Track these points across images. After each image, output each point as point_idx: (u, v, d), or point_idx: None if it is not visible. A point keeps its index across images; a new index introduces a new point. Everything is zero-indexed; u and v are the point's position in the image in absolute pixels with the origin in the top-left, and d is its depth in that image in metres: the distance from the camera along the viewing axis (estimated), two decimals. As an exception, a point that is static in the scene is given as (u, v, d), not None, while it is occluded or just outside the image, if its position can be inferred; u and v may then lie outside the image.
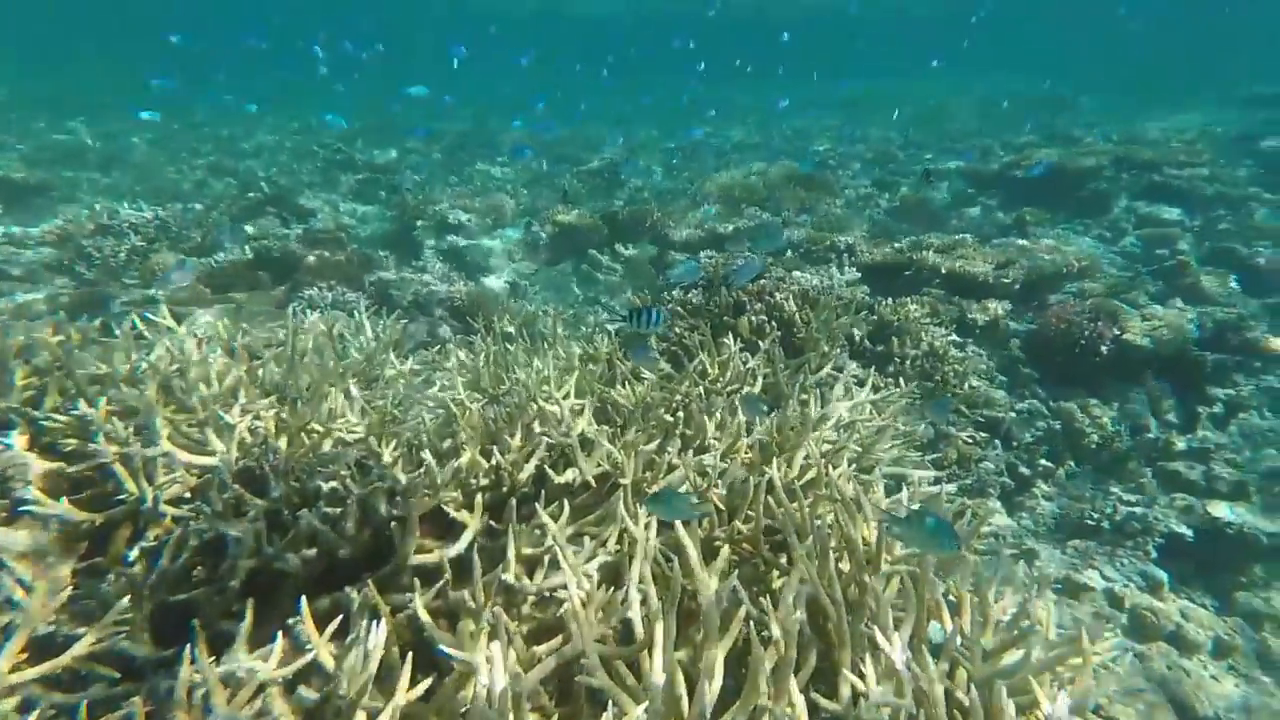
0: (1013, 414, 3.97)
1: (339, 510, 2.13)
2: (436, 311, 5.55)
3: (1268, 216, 7.21)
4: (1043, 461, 3.86)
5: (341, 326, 3.68)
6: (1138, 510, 3.39)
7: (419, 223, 8.72)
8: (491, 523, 2.13)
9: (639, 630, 1.66)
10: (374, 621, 1.54)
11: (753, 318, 3.60)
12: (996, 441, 3.77)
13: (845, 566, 1.99)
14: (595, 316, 6.41)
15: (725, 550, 2.08)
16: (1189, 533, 3.34)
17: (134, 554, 2.12)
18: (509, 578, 1.82)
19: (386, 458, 2.24)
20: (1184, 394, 4.33)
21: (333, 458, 2.31)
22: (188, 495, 2.32)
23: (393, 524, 2.05)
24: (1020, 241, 6.19)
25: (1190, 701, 2.44)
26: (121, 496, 2.08)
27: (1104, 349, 4.22)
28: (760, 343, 3.47)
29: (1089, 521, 3.39)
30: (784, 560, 2.17)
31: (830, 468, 2.21)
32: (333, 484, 2.21)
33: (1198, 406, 4.26)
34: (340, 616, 1.79)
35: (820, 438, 2.38)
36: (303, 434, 2.57)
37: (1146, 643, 2.76)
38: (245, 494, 2.17)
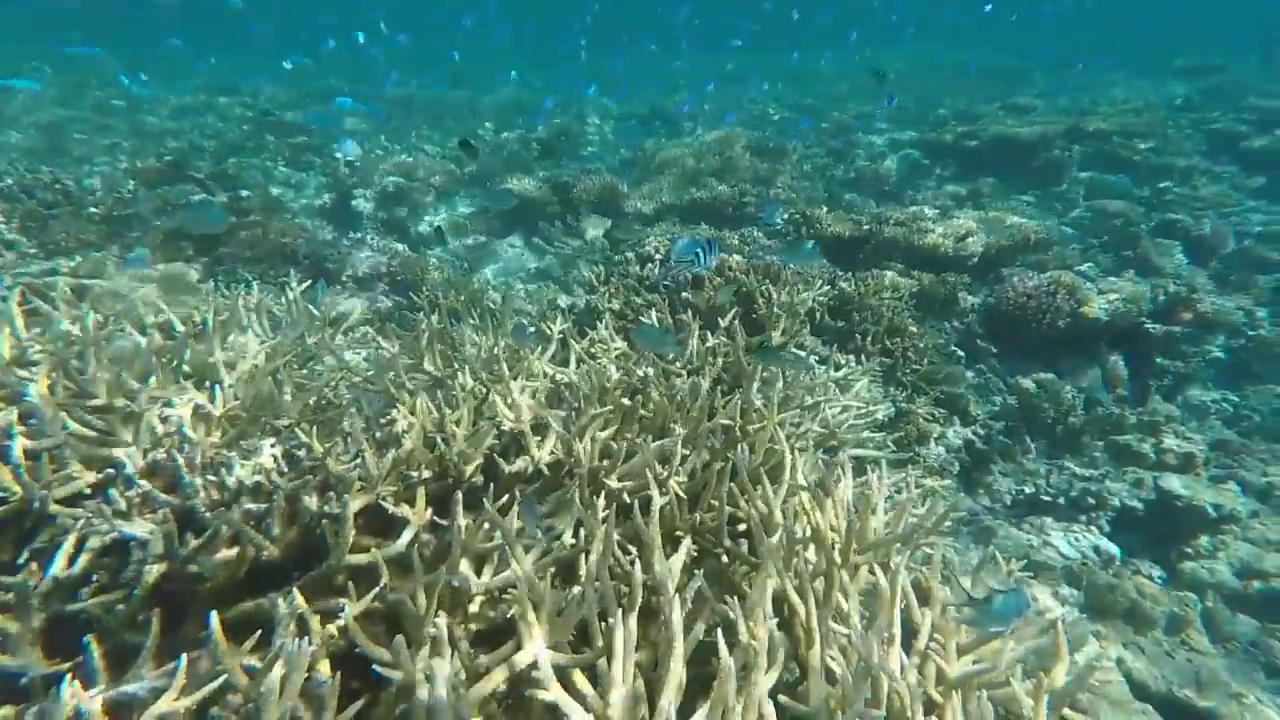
0: (971, 390, 3.99)
1: (263, 507, 1.93)
2: (377, 286, 5.25)
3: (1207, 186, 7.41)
4: (1000, 438, 3.90)
5: (270, 303, 3.40)
6: (1092, 486, 3.45)
7: (358, 192, 8.28)
8: (435, 518, 1.96)
9: (596, 635, 1.53)
10: (300, 639, 1.36)
11: (711, 293, 3.48)
12: (955, 418, 3.78)
13: (812, 555, 1.90)
14: (547, 293, 6.19)
15: (687, 542, 1.96)
16: (1140, 506, 3.42)
17: (23, 558, 1.87)
18: (454, 578, 1.66)
19: (317, 448, 2.04)
20: (1136, 366, 4.43)
21: (255, 449, 2.09)
22: (88, 492, 2.07)
23: (324, 521, 1.86)
24: (978, 214, 6.24)
25: (1142, 678, 2.50)
26: (1, 495, 1.83)
27: (1061, 323, 4.27)
28: (720, 319, 3.36)
29: (1045, 498, 3.44)
30: (746, 549, 2.08)
31: (796, 452, 2.12)
32: (256, 478, 2.00)
33: (1149, 379, 4.37)
34: (262, 629, 1.61)
35: (786, 420, 2.29)
36: (223, 422, 2.34)
37: (1104, 619, 2.82)
38: (153, 489, 1.94)
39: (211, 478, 1.99)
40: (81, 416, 2.20)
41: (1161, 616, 2.84)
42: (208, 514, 1.95)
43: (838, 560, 1.76)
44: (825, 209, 5.85)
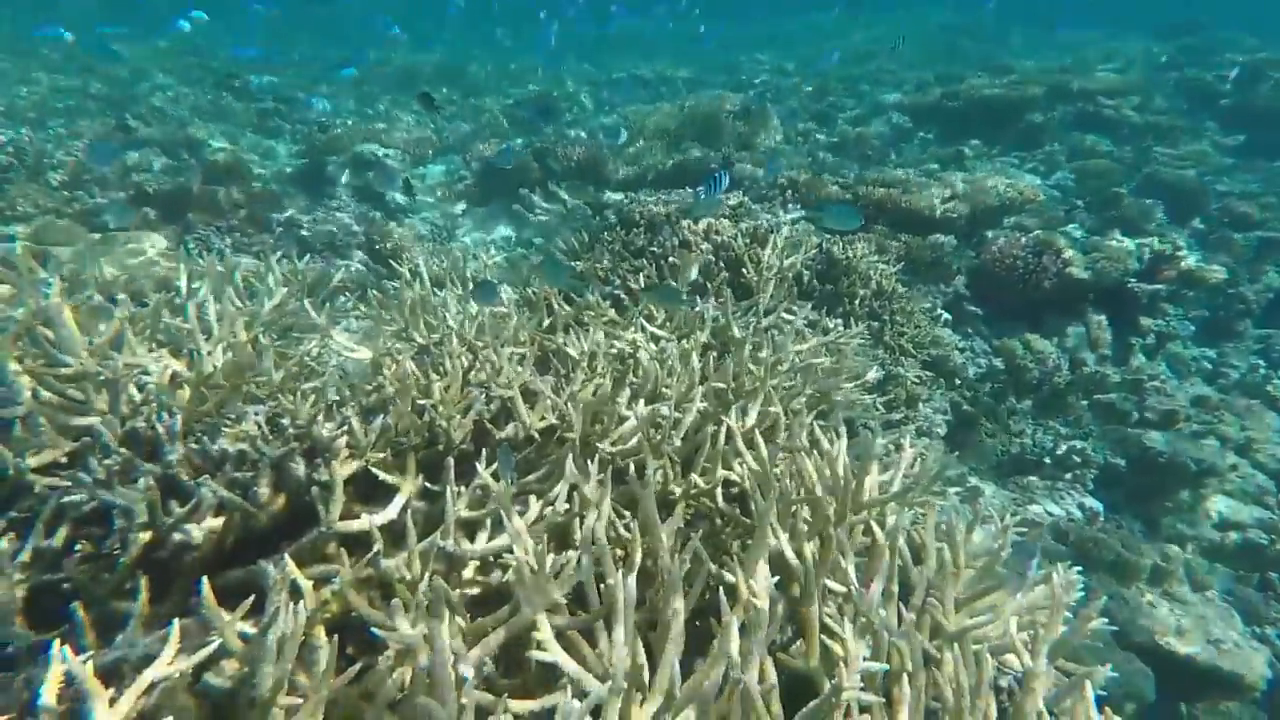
0: (957, 352, 4.02)
1: (249, 475, 1.89)
2: (355, 255, 5.13)
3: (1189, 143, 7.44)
4: (987, 399, 3.94)
5: (246, 269, 3.30)
6: (1076, 444, 3.52)
7: (331, 158, 8.04)
8: (426, 484, 1.93)
9: (592, 597, 1.53)
10: (294, 600, 1.34)
11: (700, 257, 3.44)
12: (941, 380, 3.81)
13: (808, 515, 1.91)
14: (529, 259, 6.10)
15: (680, 508, 1.96)
16: (1122, 463, 3.49)
17: (-2, 528, 1.82)
18: (448, 544, 1.64)
19: (302, 414, 1.99)
20: (1119, 325, 4.49)
21: (239, 416, 2.04)
22: (64, 462, 2.01)
23: (313, 489, 1.82)
24: (963, 175, 6.22)
25: (1129, 631, 2.59)
26: (-27, 465, 1.76)
27: (1047, 283, 4.31)
28: (708, 284, 3.33)
29: (1030, 457, 3.50)
30: (739, 512, 2.08)
31: (789, 414, 2.11)
32: (240, 445, 1.95)
33: (1130, 338, 4.43)
34: (254, 596, 1.58)
35: (779, 385, 2.28)
36: (201, 389, 2.27)
37: (1091, 573, 2.90)
38: (134, 458, 1.88)
39: (194, 445, 1.94)
40: (54, 385, 2.12)
41: (1145, 569, 2.94)
42: (191, 483, 1.90)
43: (833, 518, 1.77)
44: (808, 173, 5.80)
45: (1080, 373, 4.16)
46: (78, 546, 1.80)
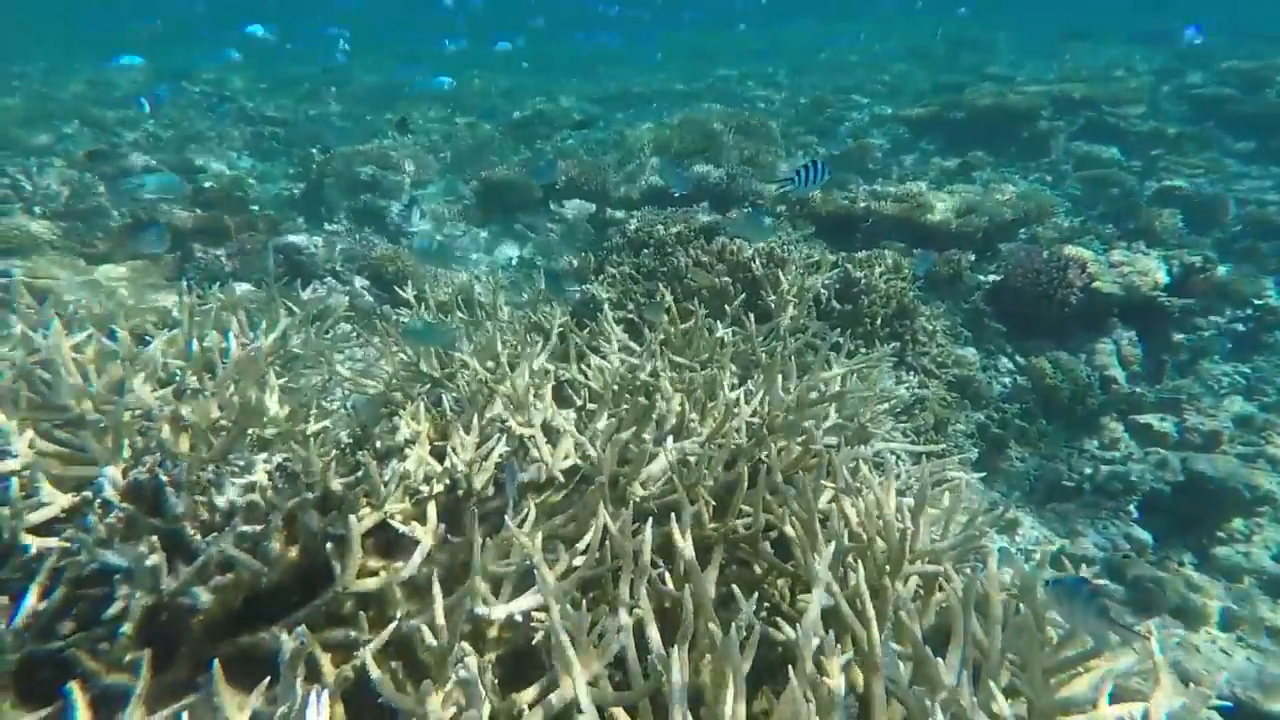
0: (981, 371, 3.90)
1: (259, 529, 1.76)
2: (357, 280, 5.03)
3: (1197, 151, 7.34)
4: (1016, 420, 3.82)
5: (248, 300, 3.19)
6: (1118, 469, 3.38)
7: (329, 180, 7.97)
8: (447, 535, 1.81)
9: (634, 666, 1.40)
10: (314, 688, 1.21)
11: (717, 280, 3.34)
12: (966, 401, 3.70)
13: (856, 564, 1.79)
14: (535, 282, 6.00)
15: (718, 553, 1.84)
16: (1166, 489, 3.36)
17: (-10, 594, 1.69)
18: (478, 607, 1.52)
19: (315, 462, 1.87)
20: (1149, 340, 4.36)
21: (248, 464, 1.92)
22: (63, 516, 1.89)
23: (328, 544, 1.70)
24: (974, 187, 6.13)
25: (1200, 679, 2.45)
26: (-37, 529, 1.64)
27: (1073, 299, 4.19)
28: (726, 307, 3.22)
29: (1067, 483, 3.37)
30: (777, 555, 1.96)
31: (829, 450, 2.00)
32: (250, 496, 1.83)
33: (1163, 354, 4.32)
34: (266, 666, 1.46)
35: (817, 415, 2.16)
36: (209, 434, 2.15)
37: (1151, 615, 2.75)
38: (137, 513, 1.76)
39: (200, 498, 1.82)
40: (50, 432, 2.01)
41: (1214, 612, 2.78)
42: (197, 537, 1.78)
43: (888, 568, 1.65)
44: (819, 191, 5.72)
45: (1114, 392, 4.04)
46: (74, 611, 1.68)
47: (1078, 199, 6.64)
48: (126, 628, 1.58)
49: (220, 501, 1.79)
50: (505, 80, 14.81)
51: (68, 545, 1.70)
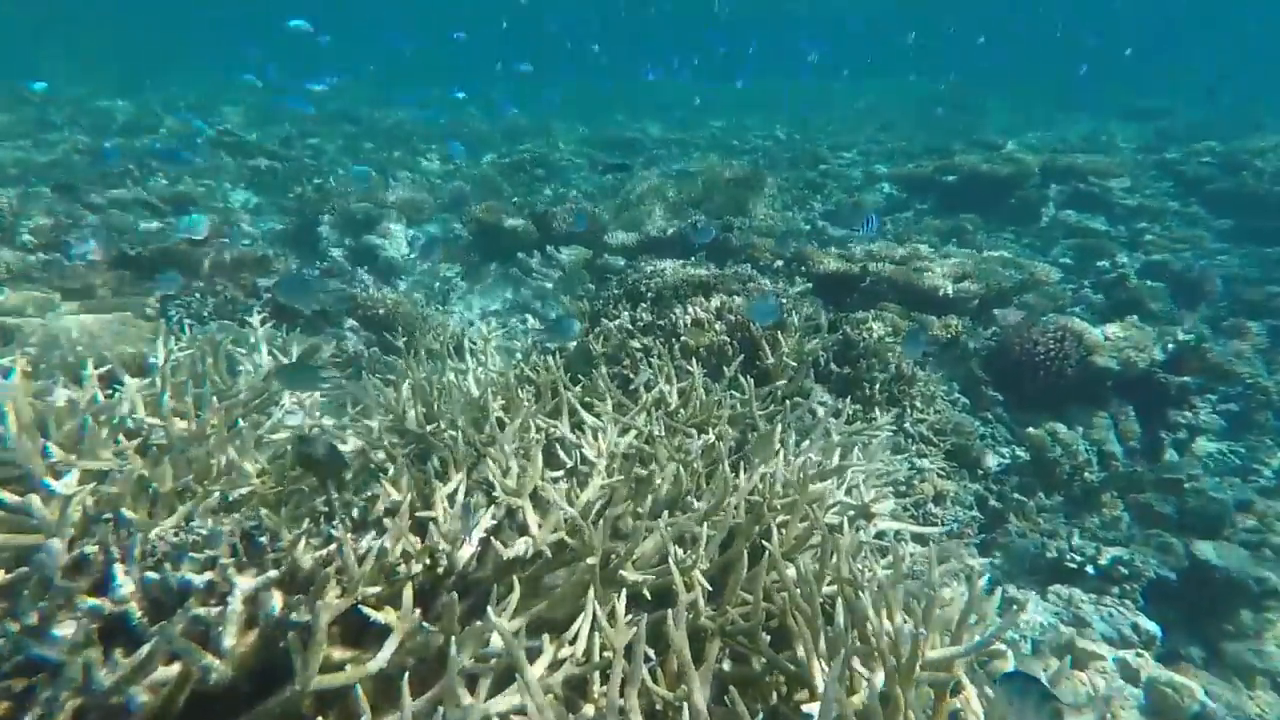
0: (979, 441, 3.81)
1: (214, 612, 1.61)
2: (346, 322, 4.91)
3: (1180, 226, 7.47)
4: (1015, 495, 3.72)
5: (229, 344, 3.06)
6: (1123, 554, 3.27)
7: (323, 218, 7.91)
8: (423, 622, 1.66)
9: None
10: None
11: (715, 339, 3.26)
12: (964, 471, 3.60)
13: (860, 666, 1.66)
14: (527, 330, 5.92)
15: (715, 646, 1.70)
16: (1172, 576, 3.24)
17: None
18: (451, 712, 1.37)
19: (285, 535, 1.73)
20: (1146, 416, 4.32)
21: (211, 537, 1.77)
22: (-2, 591, 1.72)
23: (289, 633, 1.55)
24: (969, 251, 6.15)
25: None
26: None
27: (1070, 370, 4.14)
28: (725, 368, 3.13)
29: (1069, 564, 3.25)
30: (780, 650, 1.82)
31: (832, 532, 1.88)
32: (208, 575, 1.68)
33: (1160, 431, 4.26)
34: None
35: (822, 493, 2.05)
36: (173, 497, 2.01)
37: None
38: (77, 592, 1.61)
39: (154, 575, 1.66)
40: (-4, 496, 1.85)
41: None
42: (144, 620, 1.62)
43: (898, 674, 1.52)
44: (813, 246, 5.72)
45: (1114, 468, 3.96)
46: None
47: (1067, 267, 6.69)
48: (52, 729, 1.41)
49: (173, 582, 1.64)
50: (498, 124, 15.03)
51: (-4, 631, 1.54)
